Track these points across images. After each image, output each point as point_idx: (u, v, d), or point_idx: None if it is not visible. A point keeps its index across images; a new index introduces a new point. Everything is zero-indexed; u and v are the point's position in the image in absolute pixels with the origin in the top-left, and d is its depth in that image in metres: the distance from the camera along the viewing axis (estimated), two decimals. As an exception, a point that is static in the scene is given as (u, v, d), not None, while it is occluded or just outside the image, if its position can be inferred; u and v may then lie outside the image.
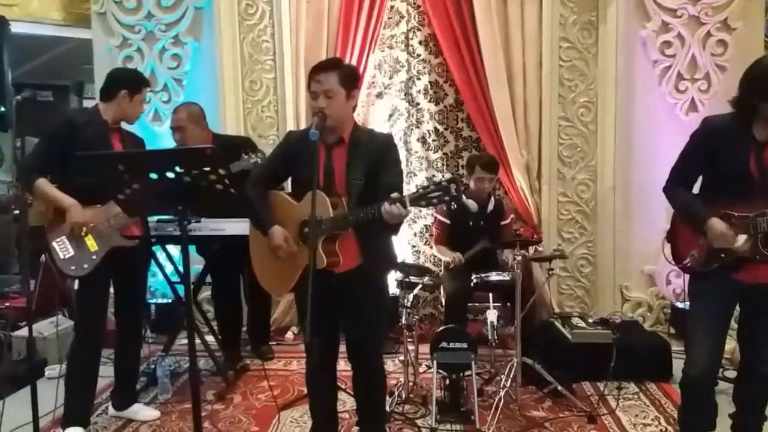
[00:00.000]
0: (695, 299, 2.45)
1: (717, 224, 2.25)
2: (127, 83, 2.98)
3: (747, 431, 2.48)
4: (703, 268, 2.36)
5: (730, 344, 2.51)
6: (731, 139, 2.27)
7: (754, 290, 2.29)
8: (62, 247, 2.80)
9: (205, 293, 4.28)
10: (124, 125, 3.09)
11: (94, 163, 2.18)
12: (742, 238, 2.24)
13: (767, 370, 2.36)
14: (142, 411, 3.23)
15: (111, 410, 3.25)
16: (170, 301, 4.28)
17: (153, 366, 3.59)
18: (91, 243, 2.83)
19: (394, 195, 2.02)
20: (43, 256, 3.93)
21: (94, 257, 2.83)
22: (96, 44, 4.58)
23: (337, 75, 2.26)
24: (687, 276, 2.51)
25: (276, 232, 2.33)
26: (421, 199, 2.02)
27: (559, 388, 3.22)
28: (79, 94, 6.97)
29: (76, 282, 2.97)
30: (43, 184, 2.81)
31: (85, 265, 2.81)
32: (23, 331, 3.70)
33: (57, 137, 2.85)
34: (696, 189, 2.46)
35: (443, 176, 4.60)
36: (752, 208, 2.23)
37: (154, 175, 1.94)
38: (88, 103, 6.28)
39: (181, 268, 3.69)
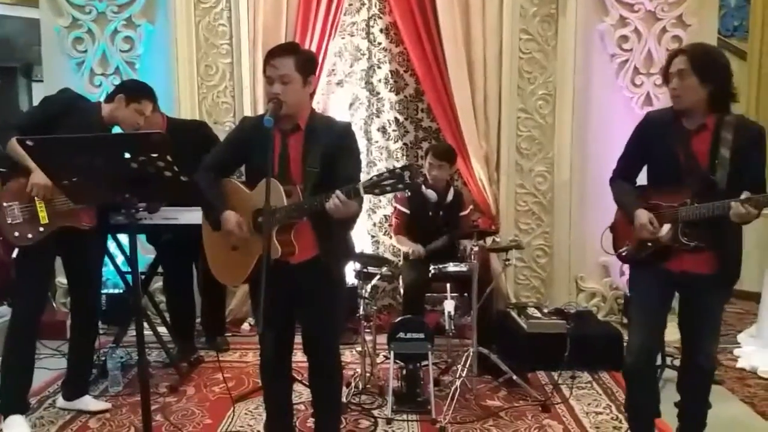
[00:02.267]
0: (633, 288, 2.55)
1: (640, 215, 2.33)
2: (127, 89, 3.02)
3: (692, 419, 2.52)
4: (634, 258, 2.46)
5: (677, 334, 2.58)
6: (663, 129, 2.35)
7: (683, 280, 2.34)
8: (12, 212, 2.73)
9: (158, 283, 4.18)
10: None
11: (42, 147, 2.08)
12: (666, 228, 2.30)
13: (704, 361, 2.39)
14: (92, 403, 3.14)
15: (60, 401, 3.15)
16: (121, 291, 4.16)
17: (103, 358, 3.49)
18: (42, 215, 2.76)
19: (346, 188, 2.00)
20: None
21: (41, 230, 2.76)
22: (44, 24, 4.38)
23: (294, 60, 2.21)
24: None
25: (229, 217, 2.26)
26: (374, 186, 2.00)
27: (514, 377, 3.26)
28: (27, 76, 6.70)
29: (16, 251, 2.87)
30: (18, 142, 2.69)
31: (29, 235, 2.75)
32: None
33: (53, 108, 2.83)
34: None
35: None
36: (679, 198, 2.29)
37: (99, 162, 1.87)
38: (36, 86, 6.05)
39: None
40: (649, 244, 2.36)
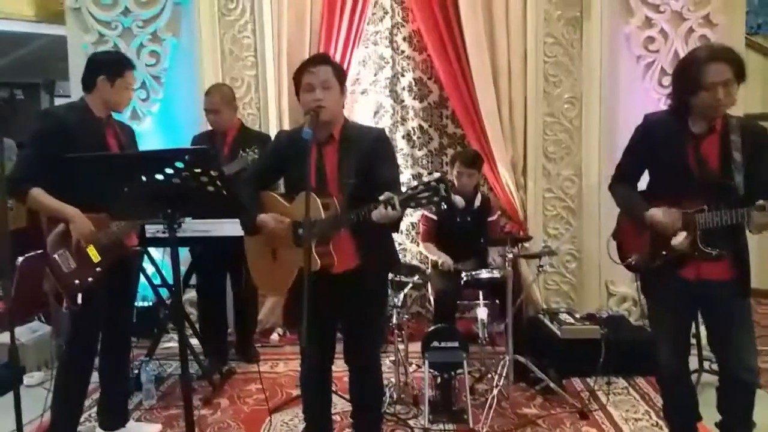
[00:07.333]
0: (650, 300, 2.47)
1: (656, 213, 2.26)
2: (105, 68, 2.67)
3: None
4: (646, 267, 2.37)
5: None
6: (669, 134, 2.27)
7: (702, 289, 2.25)
8: (65, 260, 2.58)
9: (188, 295, 4.19)
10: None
11: (84, 167, 2.10)
12: (681, 236, 2.23)
13: (745, 375, 2.25)
14: (140, 428, 3.06)
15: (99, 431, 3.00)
16: (150, 304, 4.18)
17: (137, 371, 3.50)
18: (93, 253, 2.62)
19: (383, 197, 1.95)
20: (18, 258, 3.82)
21: (98, 269, 2.63)
22: (71, 41, 4.43)
23: (331, 68, 2.24)
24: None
25: (265, 219, 2.27)
26: (410, 200, 1.95)
27: (551, 384, 3.22)
28: (50, 92, 6.78)
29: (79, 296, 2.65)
30: (39, 194, 2.56)
31: (90, 278, 2.61)
32: (1, 337, 3.57)
33: (51, 141, 2.51)
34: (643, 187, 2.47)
35: (429, 174, 4.57)
36: (693, 204, 2.22)
37: (143, 178, 1.89)
38: (58, 101, 6.13)
39: (162, 271, 3.60)
40: (664, 252, 2.28)
